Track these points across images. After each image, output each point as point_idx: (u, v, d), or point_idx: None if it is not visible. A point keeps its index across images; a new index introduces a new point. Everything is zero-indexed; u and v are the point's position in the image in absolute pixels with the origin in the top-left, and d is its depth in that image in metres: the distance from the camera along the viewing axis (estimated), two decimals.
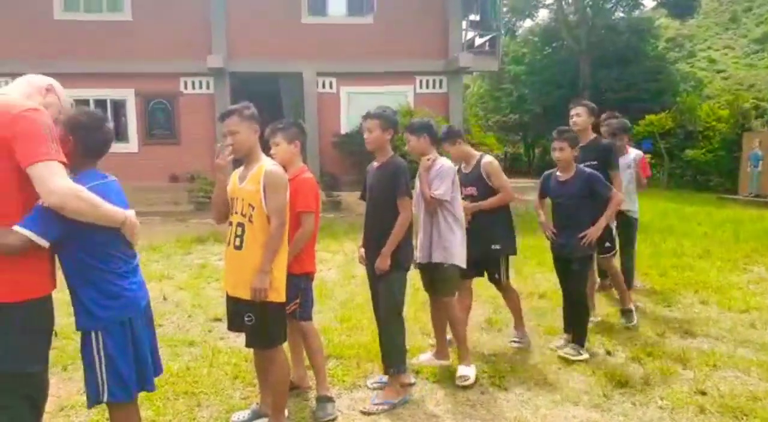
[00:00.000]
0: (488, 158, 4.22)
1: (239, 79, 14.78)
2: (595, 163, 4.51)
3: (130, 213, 2.33)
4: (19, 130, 1.98)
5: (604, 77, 26.66)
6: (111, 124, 2.54)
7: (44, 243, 2.07)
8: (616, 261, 5.16)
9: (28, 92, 2.23)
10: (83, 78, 12.98)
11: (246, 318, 2.87)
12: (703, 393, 3.54)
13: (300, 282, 3.34)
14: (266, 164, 2.91)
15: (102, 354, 2.27)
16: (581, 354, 4.09)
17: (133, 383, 2.34)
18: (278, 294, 2.89)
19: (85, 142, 2.34)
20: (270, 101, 15.16)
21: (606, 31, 28.32)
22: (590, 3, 28.49)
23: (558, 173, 4.30)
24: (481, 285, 5.93)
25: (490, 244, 4.14)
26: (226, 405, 3.38)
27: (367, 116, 3.51)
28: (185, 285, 6.27)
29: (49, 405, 2.34)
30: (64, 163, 2.05)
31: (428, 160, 3.72)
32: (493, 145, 14.79)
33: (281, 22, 14.38)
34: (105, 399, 2.30)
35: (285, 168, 3.44)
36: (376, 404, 3.38)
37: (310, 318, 3.44)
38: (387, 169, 3.48)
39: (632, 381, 3.72)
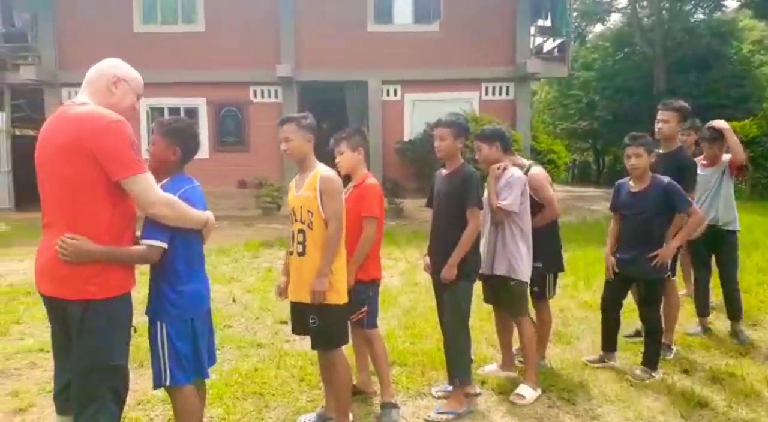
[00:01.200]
0: (537, 169, 3.97)
1: (306, 88, 15.11)
2: (668, 178, 4.04)
3: (210, 214, 2.51)
4: (106, 144, 2.12)
5: (681, 83, 25.46)
6: None
7: (165, 246, 2.35)
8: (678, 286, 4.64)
9: (102, 91, 2.33)
10: (159, 87, 13.60)
11: (311, 321, 2.96)
12: None
13: (368, 289, 3.37)
14: (321, 170, 3.01)
15: (165, 341, 2.45)
16: (653, 377, 3.87)
17: (191, 368, 2.51)
18: (339, 295, 2.97)
19: (188, 148, 2.55)
20: (335, 109, 15.42)
21: (684, 34, 27.06)
22: (667, 5, 27.34)
23: (631, 183, 3.96)
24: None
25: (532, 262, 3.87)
26: (292, 407, 3.43)
27: (439, 124, 3.48)
28: (253, 288, 6.44)
29: (127, 399, 2.44)
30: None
31: (498, 168, 3.65)
32: (561, 153, 14.45)
33: (348, 31, 14.60)
34: (167, 382, 2.47)
35: (350, 175, 3.49)
36: (440, 413, 3.35)
37: (375, 326, 3.46)
38: (457, 177, 3.43)
39: (712, 403, 3.51)
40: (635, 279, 3.98)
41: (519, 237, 3.63)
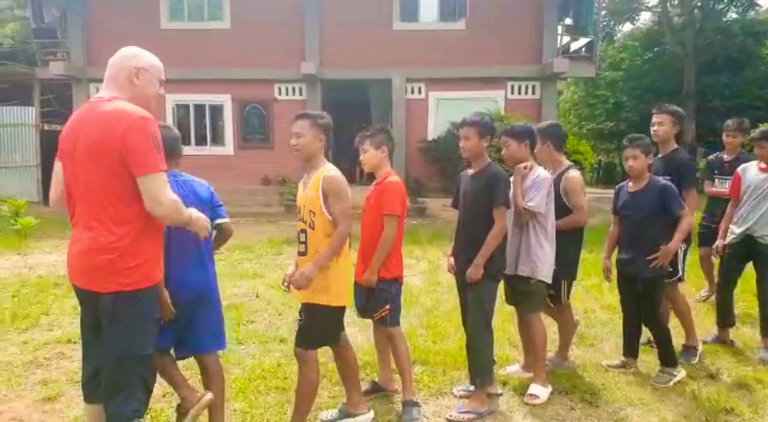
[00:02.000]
0: (574, 172, 3.89)
1: (330, 86, 15.17)
2: (669, 177, 4.04)
3: (193, 211, 2.47)
4: (130, 142, 2.15)
5: (712, 83, 24.92)
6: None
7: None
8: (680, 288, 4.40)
9: (125, 84, 2.35)
10: (185, 84, 13.83)
11: (299, 318, 3.00)
12: None
13: (391, 288, 3.37)
14: (326, 170, 2.94)
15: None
16: (675, 377, 3.81)
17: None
18: (332, 297, 2.92)
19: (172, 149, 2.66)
20: (359, 107, 15.46)
21: (716, 34, 26.45)
22: (699, 4, 26.75)
23: (629, 184, 3.97)
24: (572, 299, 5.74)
25: None
26: (315, 403, 3.44)
27: (464, 123, 3.44)
28: (276, 285, 6.46)
29: (154, 390, 2.48)
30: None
31: (524, 167, 3.60)
32: (587, 154, 14.27)
33: (373, 29, 14.63)
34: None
35: (373, 173, 3.49)
36: (462, 412, 3.34)
37: (398, 324, 3.46)
38: (483, 177, 3.40)
39: (738, 408, 3.44)
40: (635, 278, 3.92)
41: (543, 238, 3.58)
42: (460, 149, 3.47)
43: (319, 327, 2.96)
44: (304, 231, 2.96)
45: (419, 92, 14.94)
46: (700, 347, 4.32)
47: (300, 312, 3.02)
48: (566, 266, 3.86)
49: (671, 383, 3.79)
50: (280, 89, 15.10)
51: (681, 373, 3.85)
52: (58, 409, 3.37)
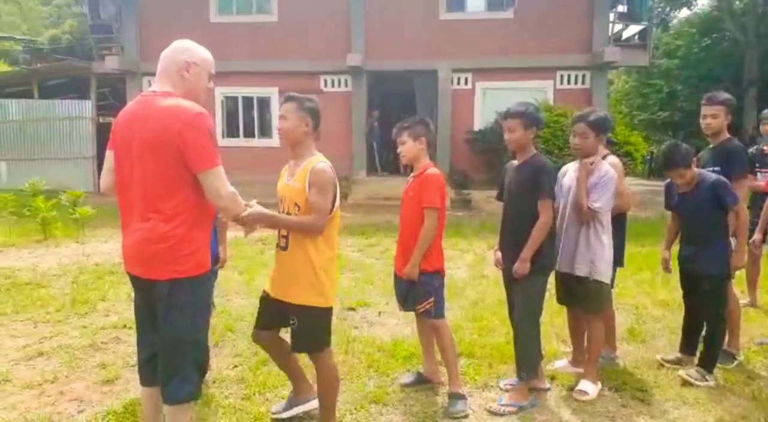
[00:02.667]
0: (613, 159, 3.70)
1: (376, 77, 15.16)
2: (718, 168, 3.84)
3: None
4: (189, 138, 2.21)
5: None
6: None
7: None
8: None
9: (176, 79, 2.39)
10: (233, 77, 14.07)
11: (290, 322, 2.80)
12: None
13: (433, 280, 3.33)
14: (315, 162, 2.79)
15: None
16: (707, 381, 3.64)
17: None
18: (323, 299, 2.77)
19: None
20: (404, 99, 15.41)
21: None
22: None
23: (678, 183, 3.74)
24: (621, 294, 5.60)
25: None
26: (361, 393, 3.47)
27: (507, 115, 3.32)
28: None
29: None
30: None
31: (591, 163, 3.42)
32: (639, 145, 13.81)
33: (419, 19, 14.52)
34: None
35: (411, 165, 3.45)
36: (503, 405, 3.30)
37: (443, 316, 3.42)
38: (528, 169, 3.29)
39: None
40: (696, 276, 3.76)
41: (602, 233, 3.43)
42: (505, 141, 3.36)
43: (318, 328, 2.82)
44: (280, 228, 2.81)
45: (466, 83, 14.77)
46: (740, 357, 4.06)
47: (291, 318, 2.80)
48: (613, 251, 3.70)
49: (702, 384, 3.61)
50: (325, 81, 15.19)
51: (713, 381, 3.66)
52: (116, 391, 3.50)
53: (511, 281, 3.39)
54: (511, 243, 3.36)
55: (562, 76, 14.41)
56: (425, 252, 3.28)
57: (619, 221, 3.73)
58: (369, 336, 4.45)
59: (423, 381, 3.59)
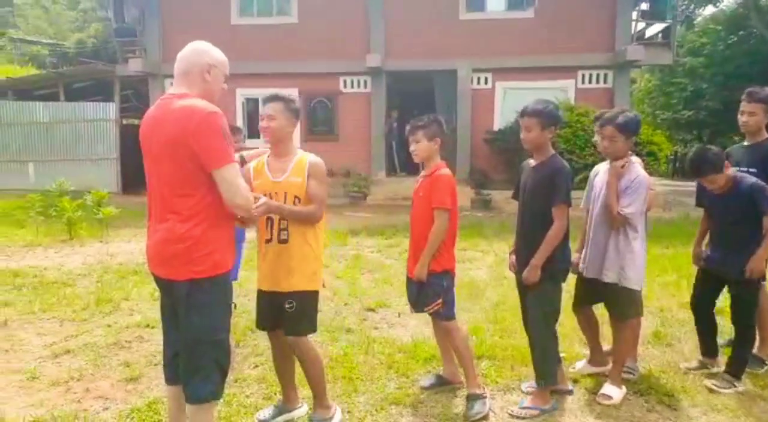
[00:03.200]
0: (634, 158, 3.61)
1: (395, 78, 15.15)
2: (754, 170, 3.69)
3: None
4: (201, 137, 2.22)
5: None
6: None
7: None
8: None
9: (198, 81, 2.41)
10: (253, 78, 14.16)
11: (287, 305, 2.86)
12: None
13: (442, 281, 3.28)
14: (309, 156, 2.97)
15: None
16: (735, 387, 3.54)
17: None
18: (319, 283, 2.99)
19: None
20: (424, 99, 15.37)
21: None
22: None
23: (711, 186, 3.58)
24: (646, 296, 5.50)
25: None
26: (381, 394, 3.47)
27: (524, 113, 3.19)
28: (342, 275, 6.57)
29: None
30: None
31: (622, 166, 3.33)
32: (662, 144, 13.59)
33: (439, 19, 14.48)
34: None
35: (423, 164, 3.41)
36: (524, 408, 3.26)
37: (453, 317, 3.36)
38: (544, 170, 3.19)
39: None
40: (726, 279, 3.66)
41: (633, 240, 3.35)
42: (522, 140, 3.26)
43: (311, 312, 2.96)
44: (285, 218, 2.87)
45: (486, 82, 14.69)
46: None
47: (289, 301, 2.87)
48: None
49: (729, 391, 3.52)
50: (345, 82, 15.22)
51: (742, 387, 3.57)
52: (140, 390, 3.54)
53: (523, 286, 3.31)
54: (523, 246, 3.30)
55: (583, 76, 14.25)
56: (435, 253, 3.24)
57: None
58: (389, 336, 4.44)
59: (443, 383, 3.56)
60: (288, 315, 2.88)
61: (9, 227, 9.60)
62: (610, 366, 3.66)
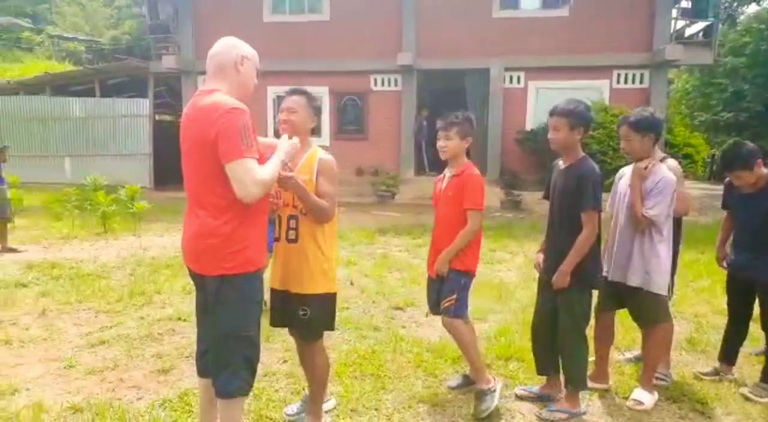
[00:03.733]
0: (672, 162, 3.54)
1: (426, 76, 15.10)
2: None
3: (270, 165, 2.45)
4: (220, 132, 2.23)
5: None
6: None
7: None
8: None
9: (232, 74, 2.43)
10: (285, 76, 14.21)
11: (301, 313, 2.78)
12: None
13: (460, 278, 3.24)
14: (319, 152, 2.83)
15: None
16: None
17: None
18: (334, 284, 2.85)
19: None
20: (455, 98, 15.29)
21: None
22: None
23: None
24: (680, 302, 5.38)
25: None
26: (408, 392, 3.47)
27: (553, 112, 3.12)
28: (369, 273, 6.58)
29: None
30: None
31: (645, 167, 3.26)
32: (699, 147, 13.28)
33: (472, 17, 14.36)
34: None
35: (449, 162, 3.36)
36: (553, 411, 3.22)
37: (462, 316, 3.29)
38: (574, 173, 3.11)
39: None
40: (751, 283, 3.56)
41: (659, 242, 3.27)
42: (549, 141, 3.19)
43: (329, 314, 2.88)
44: (294, 217, 2.76)
45: (518, 81, 14.53)
46: None
47: (303, 308, 2.79)
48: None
49: (765, 400, 3.41)
50: (375, 80, 15.22)
51: None
52: (171, 381, 3.61)
53: (546, 288, 3.24)
54: (551, 247, 3.24)
55: (618, 75, 13.98)
56: (459, 252, 3.21)
57: (675, 226, 3.56)
58: (417, 336, 4.43)
59: (470, 383, 3.52)
60: (300, 320, 2.83)
61: (47, 220, 9.87)
62: (610, 384, 3.59)
